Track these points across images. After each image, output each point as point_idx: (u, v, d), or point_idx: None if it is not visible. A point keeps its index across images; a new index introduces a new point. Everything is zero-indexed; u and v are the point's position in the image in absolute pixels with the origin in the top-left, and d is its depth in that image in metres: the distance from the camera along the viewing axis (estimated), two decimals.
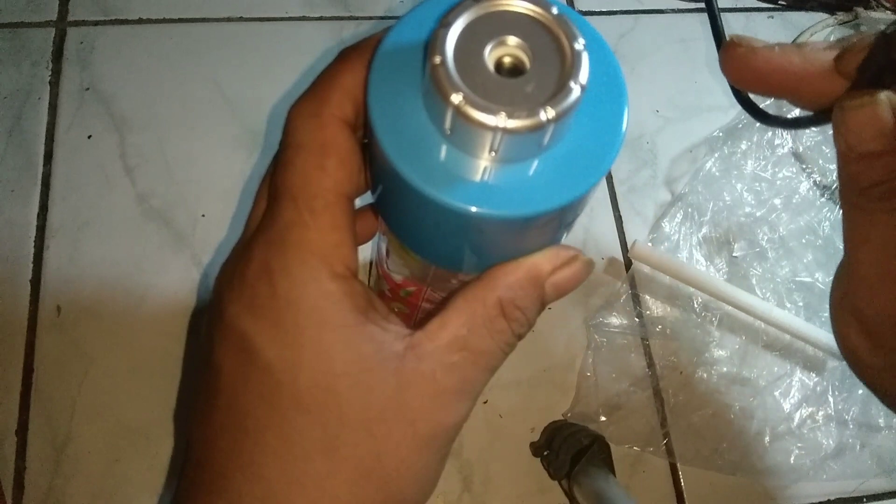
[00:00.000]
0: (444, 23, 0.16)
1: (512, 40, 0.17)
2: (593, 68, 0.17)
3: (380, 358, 0.18)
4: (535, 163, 0.17)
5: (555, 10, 0.17)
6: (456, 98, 0.15)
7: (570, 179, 0.17)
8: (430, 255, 0.22)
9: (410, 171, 0.17)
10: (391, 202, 0.20)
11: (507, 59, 0.17)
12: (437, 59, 0.16)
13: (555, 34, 0.17)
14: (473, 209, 0.17)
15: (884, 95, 0.17)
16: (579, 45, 0.16)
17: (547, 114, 0.16)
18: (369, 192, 0.22)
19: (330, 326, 0.18)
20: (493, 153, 0.17)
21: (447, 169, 0.17)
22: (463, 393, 0.19)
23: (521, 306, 0.20)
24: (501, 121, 0.15)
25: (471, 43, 0.17)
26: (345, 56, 0.19)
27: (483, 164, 0.17)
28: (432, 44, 0.16)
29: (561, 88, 0.16)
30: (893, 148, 0.17)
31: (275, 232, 0.19)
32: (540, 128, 0.16)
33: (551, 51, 0.17)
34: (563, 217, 0.19)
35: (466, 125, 0.16)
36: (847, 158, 0.18)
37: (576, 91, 0.16)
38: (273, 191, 0.19)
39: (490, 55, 0.17)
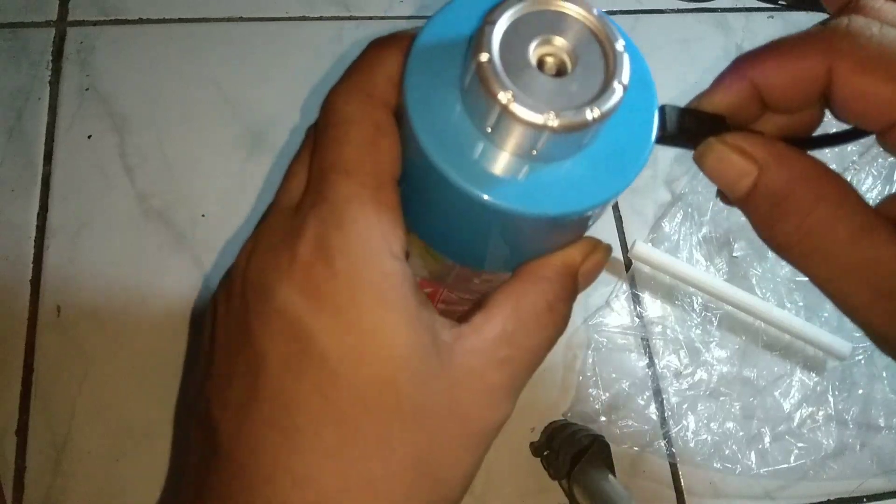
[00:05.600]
0: (490, 20, 0.16)
1: (555, 40, 0.17)
2: (634, 93, 0.17)
3: (435, 348, 0.18)
4: (570, 162, 0.17)
5: (595, 11, 0.17)
6: (504, 97, 0.15)
7: (607, 178, 0.18)
8: (457, 253, 0.22)
9: (450, 168, 0.17)
10: (420, 200, 0.20)
11: (549, 59, 0.17)
12: (485, 57, 0.16)
13: (596, 34, 0.17)
14: (512, 207, 0.17)
15: (713, 140, 0.18)
16: (620, 45, 0.17)
17: (593, 113, 0.16)
18: None
19: (392, 310, 0.17)
20: (535, 152, 0.17)
21: (485, 166, 0.17)
22: (511, 390, 0.19)
23: (563, 298, 0.20)
24: (550, 119, 0.15)
25: (515, 41, 0.17)
26: (382, 44, 0.19)
27: (523, 163, 0.17)
28: (478, 41, 0.16)
29: (605, 88, 0.16)
30: (765, 181, 0.18)
31: (328, 207, 0.17)
32: (586, 127, 0.16)
33: (593, 51, 0.17)
34: (596, 214, 0.19)
35: (512, 123, 0.16)
36: (743, 209, 0.19)
37: (619, 91, 0.16)
38: (320, 165, 0.18)
39: (534, 54, 0.17)
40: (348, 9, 0.53)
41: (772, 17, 0.58)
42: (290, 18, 0.52)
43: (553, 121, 0.15)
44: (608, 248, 0.21)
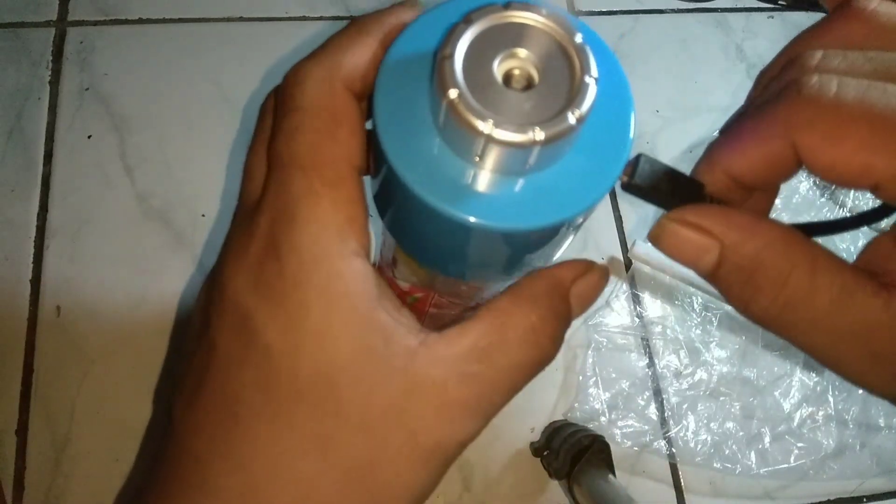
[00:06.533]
0: (467, 20, 0.16)
1: (527, 55, 0.17)
2: (606, 99, 0.16)
3: (388, 353, 0.17)
4: (523, 180, 0.17)
5: (578, 39, 0.17)
6: (452, 93, 0.15)
7: (557, 202, 0.17)
8: (431, 261, 0.21)
9: (396, 157, 0.17)
10: (392, 207, 0.20)
11: (517, 72, 0.17)
12: (447, 52, 0.16)
13: (571, 61, 0.17)
14: (443, 207, 0.16)
15: (664, 220, 0.17)
16: (590, 77, 0.16)
17: (535, 134, 0.15)
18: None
19: (338, 311, 0.17)
20: (478, 158, 0.16)
21: (444, 175, 0.17)
22: (475, 410, 0.18)
23: (550, 320, 0.19)
24: (487, 128, 0.15)
25: (486, 46, 0.16)
26: (358, 27, 0.18)
27: (470, 169, 0.17)
28: (447, 37, 0.16)
29: (558, 114, 0.16)
30: (729, 257, 0.16)
31: (282, 204, 0.17)
32: (525, 146, 0.15)
33: (563, 76, 0.17)
34: (547, 236, 0.18)
35: (456, 124, 0.16)
36: (713, 285, 0.17)
37: (571, 120, 0.16)
38: (276, 158, 0.18)
39: (501, 63, 0.17)
40: (348, 9, 0.53)
41: (772, 17, 0.58)
42: (290, 18, 0.52)
43: (492, 129, 0.15)
44: (604, 270, 0.20)
